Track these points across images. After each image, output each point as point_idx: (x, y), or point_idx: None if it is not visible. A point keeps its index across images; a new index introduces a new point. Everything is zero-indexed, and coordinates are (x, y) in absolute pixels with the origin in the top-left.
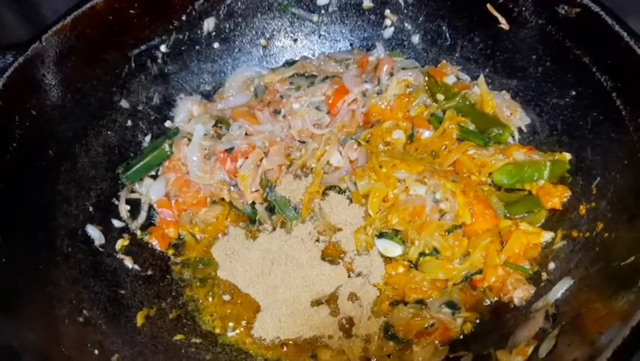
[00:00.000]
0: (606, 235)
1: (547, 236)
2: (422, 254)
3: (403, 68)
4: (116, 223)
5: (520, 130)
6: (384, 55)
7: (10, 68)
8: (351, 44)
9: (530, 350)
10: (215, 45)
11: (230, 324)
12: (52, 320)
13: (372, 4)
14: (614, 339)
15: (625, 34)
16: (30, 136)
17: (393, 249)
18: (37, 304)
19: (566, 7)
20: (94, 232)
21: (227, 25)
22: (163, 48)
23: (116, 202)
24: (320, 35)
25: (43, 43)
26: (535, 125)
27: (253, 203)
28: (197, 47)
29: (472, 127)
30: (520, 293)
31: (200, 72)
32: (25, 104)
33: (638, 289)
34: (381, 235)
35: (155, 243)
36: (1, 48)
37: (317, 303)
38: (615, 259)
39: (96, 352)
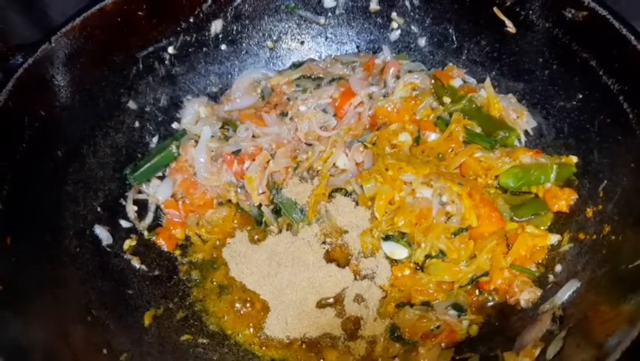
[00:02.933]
0: (613, 237)
1: (553, 239)
2: (428, 256)
3: (410, 71)
4: (124, 224)
5: (526, 133)
6: (390, 57)
7: (20, 69)
8: (357, 47)
9: (537, 351)
10: (223, 47)
11: (238, 325)
12: (60, 320)
13: (378, 7)
14: (622, 341)
15: (632, 37)
16: (39, 137)
17: (400, 251)
18: (45, 303)
19: (572, 11)
20: (102, 233)
21: (235, 28)
22: (170, 50)
23: (124, 203)
24: (327, 38)
25: (53, 45)
26: (541, 128)
27: (260, 205)
28: (204, 49)
29: (478, 130)
30: (526, 295)
31: (208, 74)
32: (35, 105)
33: None
34: (387, 238)
35: (162, 243)
36: (10, 49)
37: (323, 304)
38: (622, 262)
39: (104, 351)
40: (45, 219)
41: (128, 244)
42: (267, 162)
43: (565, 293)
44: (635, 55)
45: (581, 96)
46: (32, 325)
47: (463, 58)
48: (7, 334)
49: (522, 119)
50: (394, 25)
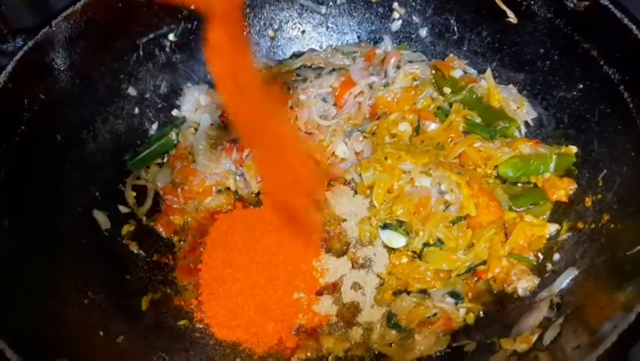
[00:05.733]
0: (612, 226)
1: (552, 228)
2: (426, 245)
3: (410, 61)
4: (122, 209)
5: (526, 124)
6: (391, 48)
7: (20, 52)
8: (358, 37)
9: (534, 338)
10: None
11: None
12: (57, 303)
13: None
14: (618, 325)
15: (634, 27)
16: (38, 120)
17: (397, 240)
18: (42, 286)
19: (574, 1)
20: (100, 217)
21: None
22: (171, 37)
23: (123, 188)
24: (328, 27)
25: (53, 28)
26: (542, 118)
27: (258, 193)
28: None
29: (478, 120)
30: (524, 284)
31: None
32: (34, 88)
33: None
34: (385, 226)
35: (160, 229)
36: (10, 32)
37: (320, 292)
38: (620, 250)
39: (101, 333)
40: (43, 203)
41: (127, 229)
42: None
43: (563, 281)
44: (636, 45)
45: (581, 86)
46: (29, 307)
47: (464, 49)
48: (8, 318)
49: (522, 110)
50: (396, 15)
